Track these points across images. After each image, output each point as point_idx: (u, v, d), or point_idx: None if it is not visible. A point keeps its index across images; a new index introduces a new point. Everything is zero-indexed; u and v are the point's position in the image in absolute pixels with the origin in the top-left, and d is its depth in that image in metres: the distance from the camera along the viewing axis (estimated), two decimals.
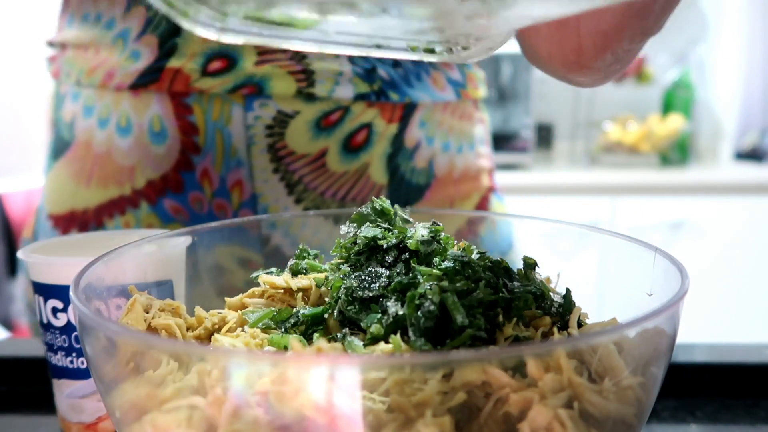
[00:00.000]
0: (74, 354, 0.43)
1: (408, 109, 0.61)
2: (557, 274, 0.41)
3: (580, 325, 0.36)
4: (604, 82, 0.38)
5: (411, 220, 0.41)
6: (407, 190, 0.62)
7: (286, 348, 0.32)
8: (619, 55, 0.35)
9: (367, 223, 0.38)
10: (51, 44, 0.64)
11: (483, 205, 0.68)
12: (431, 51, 0.32)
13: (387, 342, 0.31)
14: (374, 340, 0.31)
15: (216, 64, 0.56)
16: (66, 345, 0.43)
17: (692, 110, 2.48)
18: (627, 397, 0.29)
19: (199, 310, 0.38)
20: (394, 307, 0.32)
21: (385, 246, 0.36)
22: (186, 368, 0.29)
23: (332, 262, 0.40)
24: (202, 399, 0.27)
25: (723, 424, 0.50)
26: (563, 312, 0.36)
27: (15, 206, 2.13)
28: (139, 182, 0.59)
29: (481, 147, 0.69)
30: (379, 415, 0.26)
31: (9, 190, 2.14)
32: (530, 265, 0.38)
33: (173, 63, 0.56)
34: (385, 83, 0.59)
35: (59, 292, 0.43)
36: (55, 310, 0.43)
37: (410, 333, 0.31)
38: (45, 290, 0.43)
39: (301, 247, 0.42)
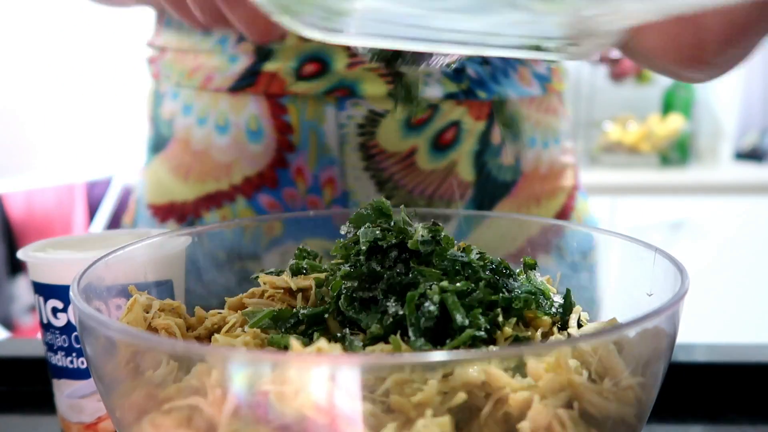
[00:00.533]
0: (74, 354, 0.43)
1: (495, 106, 0.61)
2: (557, 274, 0.41)
3: (580, 325, 0.36)
4: (719, 77, 0.34)
5: (411, 222, 0.40)
6: (494, 187, 0.62)
7: (286, 348, 0.32)
8: (744, 48, 0.31)
9: (367, 224, 0.38)
10: (151, 46, 0.66)
11: (570, 204, 0.67)
12: (537, 48, 0.30)
13: (387, 342, 0.31)
14: (374, 340, 0.31)
15: (309, 68, 0.57)
16: (66, 345, 0.43)
17: (692, 110, 2.48)
18: (627, 397, 0.29)
19: (199, 311, 0.38)
20: (394, 307, 0.32)
21: (385, 246, 0.36)
22: (186, 368, 0.29)
23: (332, 262, 0.40)
24: (202, 399, 0.27)
25: (723, 424, 0.50)
26: (563, 312, 0.36)
27: (15, 206, 2.13)
28: (236, 178, 0.61)
29: (566, 142, 0.68)
30: (379, 415, 0.26)
31: (9, 190, 2.14)
32: (530, 265, 0.38)
33: (269, 67, 0.58)
34: (473, 82, 0.59)
35: (59, 292, 0.43)
36: (55, 310, 0.43)
37: (410, 333, 0.31)
38: (45, 290, 0.43)
39: (300, 246, 0.42)
